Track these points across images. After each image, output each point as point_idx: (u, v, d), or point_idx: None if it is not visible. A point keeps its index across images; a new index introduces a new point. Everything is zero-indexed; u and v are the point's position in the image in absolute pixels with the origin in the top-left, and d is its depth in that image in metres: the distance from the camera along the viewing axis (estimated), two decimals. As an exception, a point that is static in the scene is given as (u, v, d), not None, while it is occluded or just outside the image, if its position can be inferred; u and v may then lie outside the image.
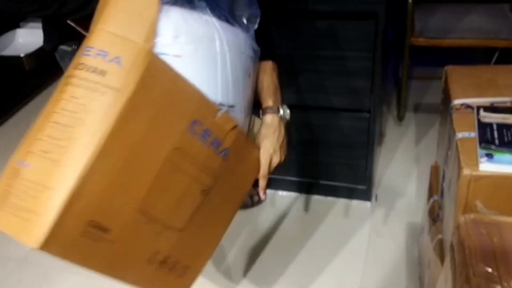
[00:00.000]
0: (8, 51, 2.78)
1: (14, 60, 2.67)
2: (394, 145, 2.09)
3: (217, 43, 0.91)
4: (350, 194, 1.88)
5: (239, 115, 1.00)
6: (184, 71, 0.85)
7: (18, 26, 2.90)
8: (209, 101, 0.90)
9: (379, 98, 1.74)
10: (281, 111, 1.16)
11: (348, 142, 1.77)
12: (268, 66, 1.18)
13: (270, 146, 1.12)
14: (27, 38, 2.86)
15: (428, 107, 2.28)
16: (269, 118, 1.14)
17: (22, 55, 2.66)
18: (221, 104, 0.93)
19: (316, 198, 1.90)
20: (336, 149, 1.80)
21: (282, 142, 1.16)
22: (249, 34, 1.03)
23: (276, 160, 1.13)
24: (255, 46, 1.06)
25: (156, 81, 0.79)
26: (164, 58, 0.84)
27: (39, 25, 3.01)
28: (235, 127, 0.96)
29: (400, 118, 2.21)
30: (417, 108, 2.29)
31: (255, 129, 1.15)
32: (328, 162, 1.85)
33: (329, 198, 1.89)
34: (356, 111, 1.70)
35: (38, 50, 2.68)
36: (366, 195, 1.87)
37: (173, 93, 0.83)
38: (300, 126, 1.77)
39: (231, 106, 0.96)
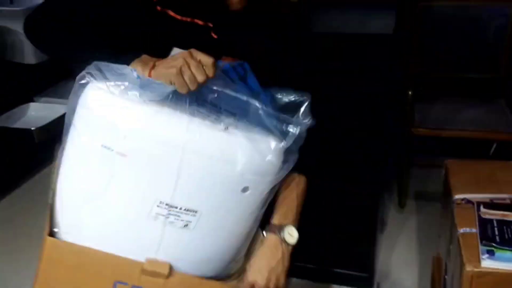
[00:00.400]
0: (20, 124, 2.86)
1: (25, 133, 2.75)
2: (395, 233, 2.10)
3: (179, 151, 0.87)
4: (352, 281, 1.86)
5: (206, 223, 0.94)
6: (126, 171, 0.88)
7: (32, 100, 3.00)
8: (130, 260, 0.91)
9: (380, 188, 1.78)
10: (285, 233, 1.00)
11: (350, 229, 1.78)
12: (291, 180, 1.05)
13: (258, 270, 0.98)
14: (39, 112, 2.95)
15: (429, 195, 2.31)
16: (270, 238, 1.00)
17: (32, 128, 2.74)
18: (171, 206, 0.91)
19: (317, 286, 1.88)
20: (338, 235, 1.81)
21: (276, 267, 0.99)
22: (287, 142, 0.92)
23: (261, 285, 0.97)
24: (289, 156, 0.94)
25: (57, 261, 0.92)
26: (107, 153, 0.86)
27: (52, 99, 3.11)
28: (170, 273, 0.93)
29: (401, 205, 2.23)
30: (418, 196, 2.32)
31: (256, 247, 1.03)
32: (329, 249, 1.85)
33: (330, 285, 1.87)
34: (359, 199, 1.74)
35: (49, 124, 2.76)
36: (367, 283, 1.85)
37: (82, 266, 0.91)
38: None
39: (191, 211, 0.92)
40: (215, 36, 1.01)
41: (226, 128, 0.89)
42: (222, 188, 0.92)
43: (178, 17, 0.97)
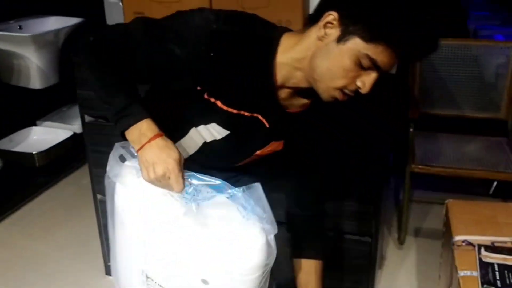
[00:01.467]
0: (22, 147, 2.87)
1: (26, 156, 2.76)
2: (394, 269, 2.08)
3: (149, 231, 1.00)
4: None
5: None
6: (126, 238, 1.04)
7: (34, 124, 3.02)
8: None
9: (380, 223, 1.78)
10: None
11: (349, 265, 1.77)
12: (313, 267, 1.18)
13: None
14: (42, 136, 2.96)
15: (428, 232, 2.30)
16: None
17: (34, 152, 2.75)
18: (148, 277, 1.02)
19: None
20: (337, 272, 1.79)
21: None
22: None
23: None
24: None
25: None
26: (119, 220, 1.04)
27: (55, 124, 3.13)
28: None
29: (401, 242, 2.23)
30: (417, 232, 2.31)
31: None
32: (328, 286, 1.83)
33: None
34: (358, 235, 1.73)
35: (50, 148, 2.77)
36: (366, 320, 1.83)
37: None
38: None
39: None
40: (267, 125, 1.04)
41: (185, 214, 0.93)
42: (182, 272, 0.97)
43: (225, 107, 0.99)
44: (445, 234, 1.45)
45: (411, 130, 2.09)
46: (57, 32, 2.68)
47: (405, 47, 0.88)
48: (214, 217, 0.92)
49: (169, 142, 0.93)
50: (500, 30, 3.80)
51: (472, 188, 2.47)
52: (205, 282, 0.95)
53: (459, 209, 1.44)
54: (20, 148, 2.86)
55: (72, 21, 2.76)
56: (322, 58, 0.92)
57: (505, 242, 1.26)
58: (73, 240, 2.30)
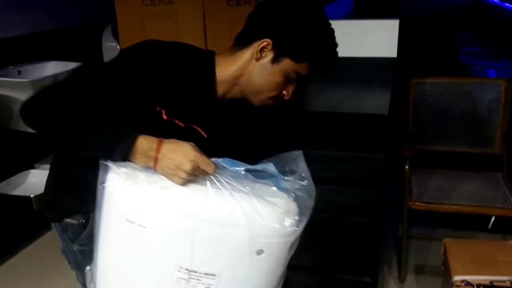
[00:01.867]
0: (19, 191, 2.86)
1: (24, 200, 2.75)
2: (396, 308, 2.06)
3: (190, 219, 0.95)
4: None
5: (226, 286, 0.99)
6: (147, 240, 0.96)
7: (32, 167, 3.03)
8: None
9: (380, 262, 1.77)
10: None
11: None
12: None
13: None
14: (40, 179, 2.96)
15: (429, 269, 2.29)
16: None
17: (32, 195, 2.74)
18: (191, 271, 0.97)
19: None
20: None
21: None
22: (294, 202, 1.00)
23: None
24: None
25: None
26: (130, 226, 0.95)
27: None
28: None
29: (401, 280, 2.21)
30: (418, 270, 2.29)
31: None
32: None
33: None
34: (357, 275, 1.72)
35: (49, 191, 2.77)
36: None
37: None
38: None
39: (210, 274, 0.97)
40: (205, 136, 1.17)
41: (231, 194, 0.94)
42: (235, 252, 0.96)
43: (182, 124, 1.12)
44: (444, 274, 1.44)
45: (406, 167, 2.10)
46: (55, 77, 2.72)
47: (323, 66, 1.17)
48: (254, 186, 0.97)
49: (172, 140, 0.96)
50: (492, 65, 3.88)
51: (471, 222, 2.46)
52: (260, 252, 0.96)
53: (457, 248, 1.44)
54: (18, 191, 2.85)
55: (71, 65, 2.81)
56: (259, 75, 1.16)
57: (504, 281, 1.26)
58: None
